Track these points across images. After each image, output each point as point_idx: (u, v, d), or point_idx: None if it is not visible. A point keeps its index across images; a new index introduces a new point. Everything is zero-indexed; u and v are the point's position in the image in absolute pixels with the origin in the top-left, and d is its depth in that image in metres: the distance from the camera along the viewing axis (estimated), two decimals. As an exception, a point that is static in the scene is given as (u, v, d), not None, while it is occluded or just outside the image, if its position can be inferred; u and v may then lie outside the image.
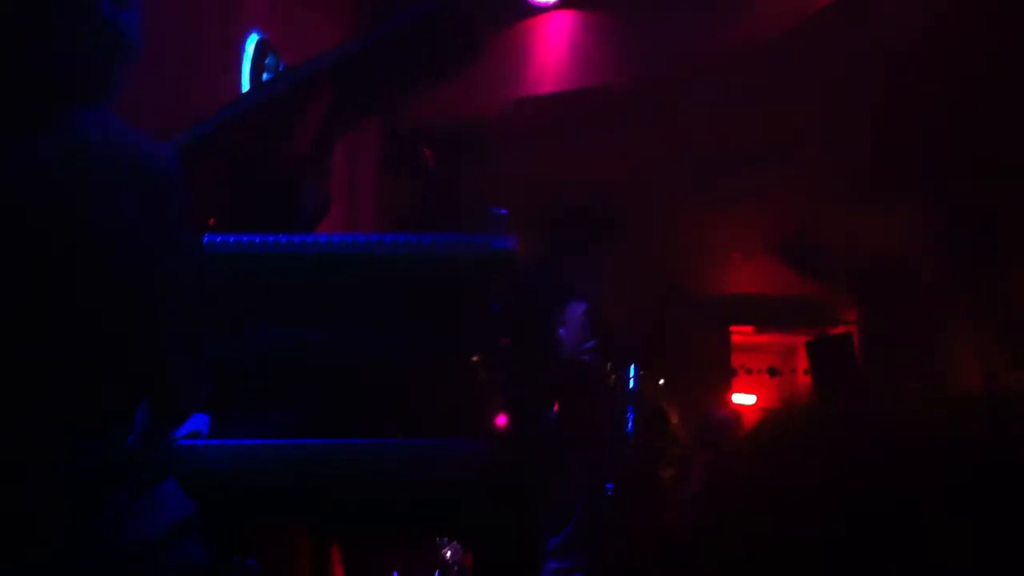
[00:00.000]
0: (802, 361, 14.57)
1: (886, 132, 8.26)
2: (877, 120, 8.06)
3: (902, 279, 11.84)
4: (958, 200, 9.49)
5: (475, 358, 2.56)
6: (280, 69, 5.62)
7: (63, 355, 1.93)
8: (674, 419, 14.43)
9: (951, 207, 9.67)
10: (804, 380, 14.81)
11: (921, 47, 6.92)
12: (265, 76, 5.54)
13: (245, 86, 5.41)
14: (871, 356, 12.77)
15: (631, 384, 5.45)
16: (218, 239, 2.64)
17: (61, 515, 1.88)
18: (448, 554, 4.28)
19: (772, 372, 17.29)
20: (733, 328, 15.90)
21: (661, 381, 14.39)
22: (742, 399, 17.51)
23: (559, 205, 8.71)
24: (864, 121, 8.08)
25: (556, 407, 3.39)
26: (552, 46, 7.77)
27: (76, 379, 1.94)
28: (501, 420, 2.58)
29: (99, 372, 1.96)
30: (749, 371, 17.12)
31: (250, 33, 5.59)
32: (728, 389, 15.94)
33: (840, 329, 14.13)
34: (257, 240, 2.65)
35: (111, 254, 1.93)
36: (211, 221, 2.98)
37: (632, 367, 5.40)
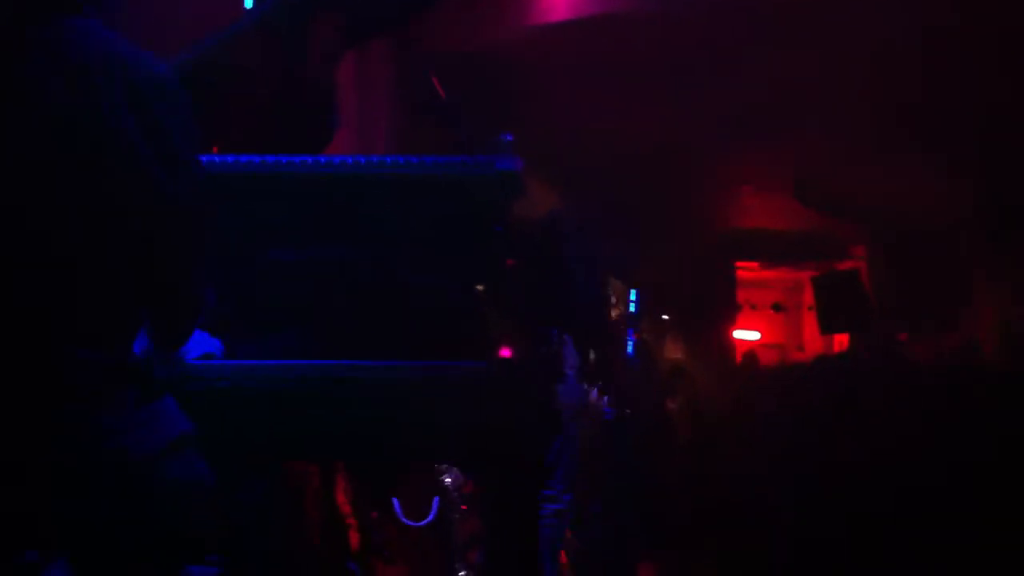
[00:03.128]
0: (808, 297, 14.59)
1: (926, 90, 8.20)
2: (917, 76, 7.99)
3: (920, 227, 11.84)
4: (988, 162, 9.45)
5: (479, 279, 2.55)
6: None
7: (64, 266, 1.92)
8: (678, 353, 14.48)
9: (981, 167, 9.64)
10: (809, 316, 14.83)
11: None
12: None
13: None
14: (879, 292, 12.78)
15: (632, 308, 5.45)
16: (217, 159, 2.61)
17: (59, 423, 1.88)
18: (448, 480, 4.29)
19: (777, 308, 17.32)
20: (739, 264, 15.89)
21: (665, 316, 14.43)
22: (746, 335, 17.55)
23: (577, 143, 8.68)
24: (904, 76, 8.01)
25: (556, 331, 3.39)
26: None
27: (78, 289, 1.93)
28: (504, 342, 2.56)
29: (100, 283, 1.95)
30: (754, 307, 17.16)
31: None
32: (733, 323, 15.98)
33: (848, 265, 14.12)
34: (257, 160, 2.62)
35: (111, 163, 1.91)
36: (214, 149, 2.95)
37: (634, 292, 5.39)
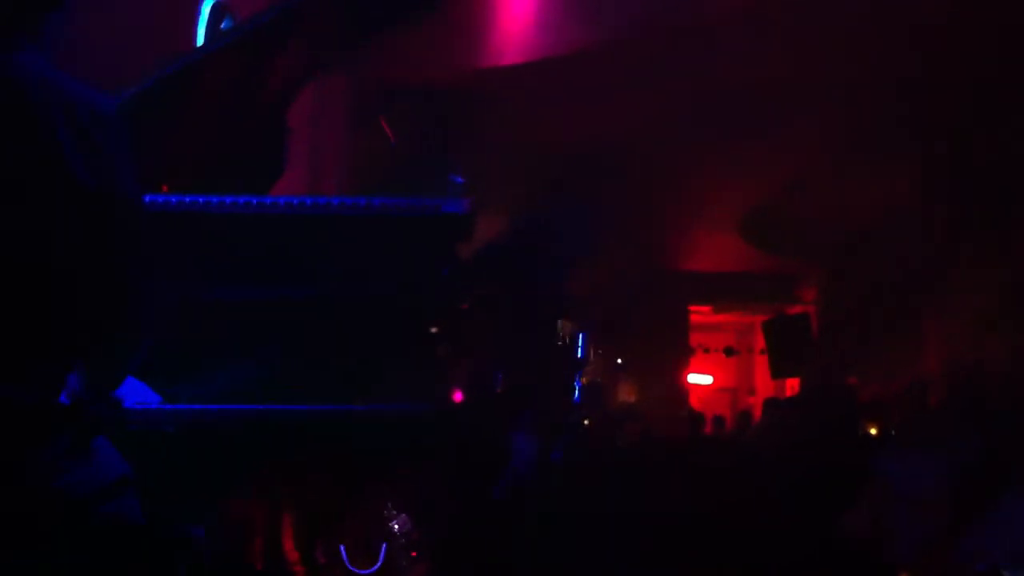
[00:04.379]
0: (759, 341, 14.68)
1: (863, 113, 8.28)
2: (855, 99, 8.08)
3: (866, 260, 11.93)
4: (937, 183, 9.56)
5: (426, 321, 2.53)
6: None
7: None
8: (632, 396, 14.49)
9: (931, 189, 9.74)
10: (761, 360, 14.91)
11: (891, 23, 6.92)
12: (221, 40, 5.44)
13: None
14: (829, 336, 12.86)
15: (579, 353, 5.44)
16: (160, 199, 2.58)
17: None
18: (396, 526, 4.25)
19: (729, 352, 17.38)
20: (691, 307, 15.95)
21: (620, 360, 14.45)
22: (699, 379, 17.58)
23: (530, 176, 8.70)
24: (842, 99, 8.09)
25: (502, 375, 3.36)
26: (518, 16, 7.70)
27: (4, 324, 1.88)
28: (453, 384, 2.55)
29: (28, 317, 1.90)
30: (707, 350, 17.20)
31: (205, -3, 5.49)
32: (686, 367, 16.02)
33: (798, 309, 14.22)
34: (202, 201, 2.59)
35: (48, 190, 1.88)
36: (164, 188, 2.91)
37: (581, 336, 5.38)
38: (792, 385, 14.04)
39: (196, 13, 5.39)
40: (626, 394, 14.55)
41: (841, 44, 7.29)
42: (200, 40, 5.37)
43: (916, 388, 8.36)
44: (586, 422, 7.60)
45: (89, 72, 2.10)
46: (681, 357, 15.80)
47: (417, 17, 3.13)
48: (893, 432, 8.13)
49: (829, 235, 12.00)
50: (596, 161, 9.41)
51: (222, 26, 5.48)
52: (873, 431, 8.45)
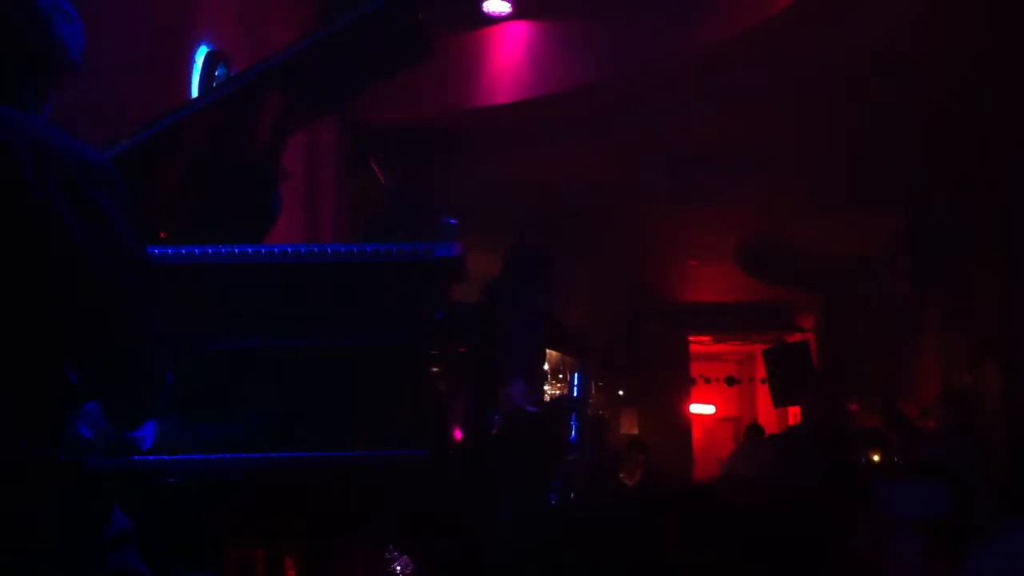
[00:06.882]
0: (760, 369, 14.68)
1: (857, 143, 8.32)
2: (847, 131, 8.12)
3: (865, 288, 11.96)
4: (926, 214, 9.59)
5: (420, 366, 2.54)
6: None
7: None
8: (634, 427, 14.46)
9: (919, 221, 9.77)
10: (762, 388, 14.91)
11: (885, 57, 6.97)
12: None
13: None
14: (829, 363, 12.87)
15: (575, 392, 5.43)
16: (157, 251, 2.60)
17: None
18: (398, 568, 4.25)
19: (730, 381, 17.38)
20: (691, 337, 15.98)
21: (620, 392, 14.46)
22: (701, 408, 17.57)
23: (524, 211, 8.76)
24: (835, 132, 8.14)
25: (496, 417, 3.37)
26: (506, 56, 7.78)
27: (8, 381, 1.89)
28: (449, 429, 2.56)
29: (32, 382, 1.92)
30: (708, 380, 17.21)
31: (200, 45, 5.54)
32: (687, 397, 16.03)
33: (797, 337, 14.25)
34: (198, 252, 2.61)
35: (46, 251, 1.90)
36: (162, 235, 2.93)
37: (576, 375, 5.38)
38: (794, 412, 14.05)
39: (191, 61, 5.44)
40: (628, 426, 14.56)
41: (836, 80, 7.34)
42: (194, 88, 5.41)
43: (896, 412, 8.36)
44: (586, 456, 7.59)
45: (83, 120, 2.13)
46: (682, 387, 15.81)
47: (412, 63, 3.16)
48: (895, 459, 8.13)
49: (825, 264, 12.05)
50: (586, 196, 9.48)
51: (216, 73, 5.51)
52: (876, 457, 8.45)
